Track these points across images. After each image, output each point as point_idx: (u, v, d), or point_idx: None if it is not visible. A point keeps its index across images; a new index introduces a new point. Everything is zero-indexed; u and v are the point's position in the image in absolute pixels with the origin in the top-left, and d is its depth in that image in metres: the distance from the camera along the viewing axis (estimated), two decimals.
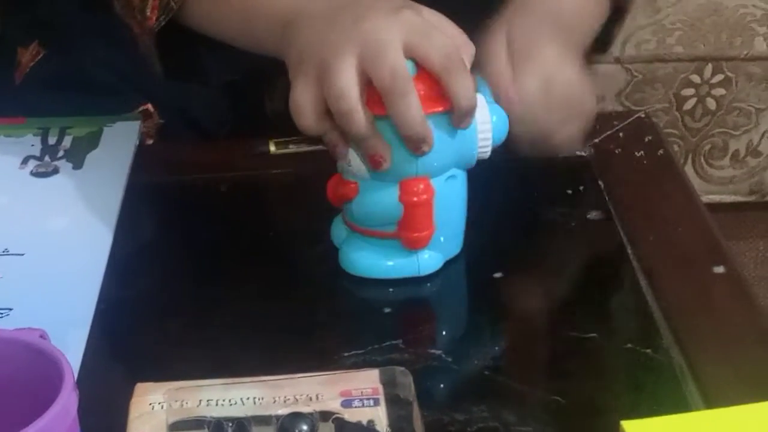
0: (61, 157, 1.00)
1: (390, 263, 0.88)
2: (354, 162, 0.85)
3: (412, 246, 0.87)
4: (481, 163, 0.87)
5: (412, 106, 0.81)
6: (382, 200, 0.86)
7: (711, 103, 1.40)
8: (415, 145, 0.82)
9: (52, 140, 1.02)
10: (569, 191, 0.97)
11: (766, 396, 0.74)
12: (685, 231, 0.94)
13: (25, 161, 1.00)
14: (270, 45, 0.91)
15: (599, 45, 1.09)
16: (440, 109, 0.83)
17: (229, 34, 0.97)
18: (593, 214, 0.95)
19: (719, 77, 1.40)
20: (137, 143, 1.02)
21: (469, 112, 0.83)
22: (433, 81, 0.82)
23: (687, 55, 1.40)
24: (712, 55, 1.39)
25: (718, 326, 0.84)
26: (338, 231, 0.91)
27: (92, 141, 1.02)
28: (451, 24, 0.85)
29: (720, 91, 1.40)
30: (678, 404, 0.77)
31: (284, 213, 1.00)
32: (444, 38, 0.83)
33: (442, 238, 0.88)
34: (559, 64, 0.95)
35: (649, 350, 0.82)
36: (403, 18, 0.83)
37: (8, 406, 0.63)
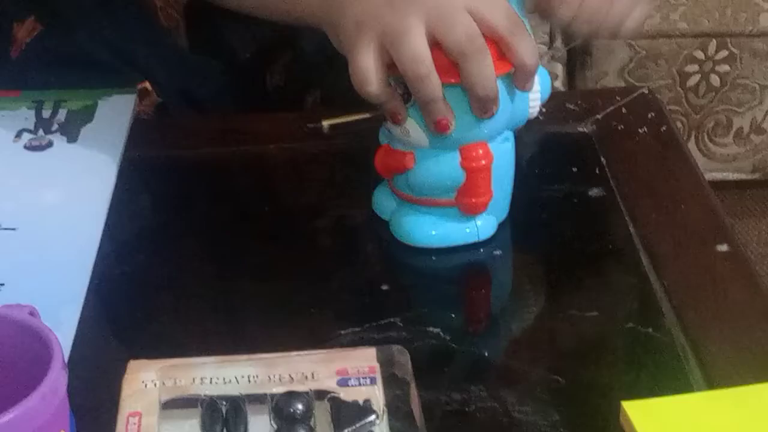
0: (55, 131, 1.00)
1: (448, 231, 0.89)
2: (413, 130, 0.86)
3: (472, 211, 0.88)
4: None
5: (489, 66, 0.81)
6: (442, 167, 0.86)
7: (715, 80, 1.40)
8: (486, 107, 0.83)
9: (46, 113, 1.02)
10: (571, 168, 0.96)
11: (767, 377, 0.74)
12: (688, 209, 0.93)
13: (18, 134, 1.00)
14: (314, 15, 0.90)
15: None
16: (503, 71, 0.84)
17: (261, 5, 0.96)
18: (595, 191, 0.95)
19: (723, 53, 1.39)
20: (133, 116, 1.01)
21: (533, 72, 0.84)
22: (490, 44, 0.83)
23: (691, 30, 1.39)
24: (717, 31, 1.38)
25: (721, 305, 0.84)
26: (385, 202, 0.91)
27: (87, 114, 1.01)
28: None
29: (724, 68, 1.40)
30: (680, 385, 0.77)
31: (282, 189, 0.99)
32: (503, 2, 0.84)
33: (495, 202, 0.88)
34: None
35: (650, 329, 0.82)
36: None
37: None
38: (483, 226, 0.89)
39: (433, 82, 0.82)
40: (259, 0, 0.97)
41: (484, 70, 0.82)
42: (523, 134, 0.91)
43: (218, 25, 1.03)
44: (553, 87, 0.93)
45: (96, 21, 1.08)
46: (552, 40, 1.36)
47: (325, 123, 0.97)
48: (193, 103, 1.09)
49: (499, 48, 0.83)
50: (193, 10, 0.99)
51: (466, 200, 0.87)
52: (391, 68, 0.83)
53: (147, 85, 1.05)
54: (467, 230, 0.89)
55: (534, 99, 0.88)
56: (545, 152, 0.94)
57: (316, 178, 0.98)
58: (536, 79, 0.87)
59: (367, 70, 0.83)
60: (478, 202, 0.87)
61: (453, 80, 0.83)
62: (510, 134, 0.89)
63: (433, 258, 0.89)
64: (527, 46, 0.84)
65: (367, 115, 0.93)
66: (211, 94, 1.08)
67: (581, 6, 0.89)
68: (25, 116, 1.01)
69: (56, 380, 0.61)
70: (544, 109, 0.91)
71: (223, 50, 1.08)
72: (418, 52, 0.81)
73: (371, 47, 0.83)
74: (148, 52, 1.07)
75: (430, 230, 0.89)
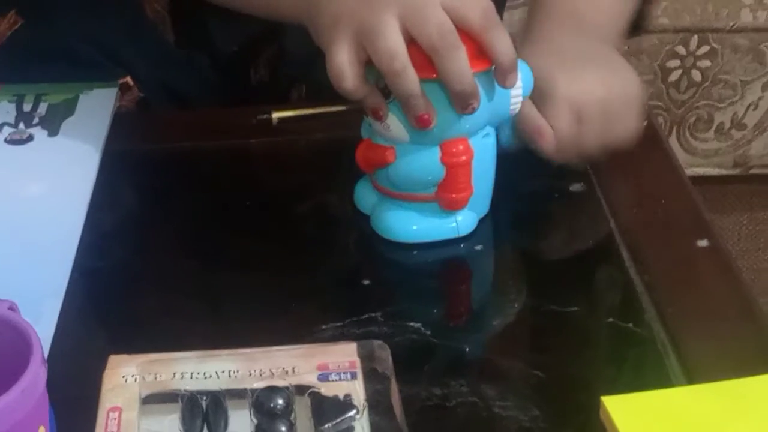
0: (36, 124, 1.00)
1: (429, 226, 0.89)
2: (393, 125, 0.86)
3: (452, 207, 0.88)
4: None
5: (462, 60, 0.81)
6: (423, 163, 0.86)
7: (696, 75, 1.40)
8: (465, 102, 0.83)
9: (27, 107, 1.02)
10: (552, 162, 0.96)
11: (749, 371, 0.74)
12: (669, 204, 0.94)
13: None
14: (292, 10, 0.91)
15: (637, 26, 1.09)
16: (481, 68, 0.83)
17: (249, 1, 0.97)
18: (576, 187, 0.95)
19: (705, 49, 1.39)
20: (114, 110, 1.01)
21: (512, 68, 0.84)
22: (468, 41, 0.83)
23: (672, 26, 1.40)
24: (698, 27, 1.39)
25: (701, 300, 0.84)
26: (366, 197, 0.92)
27: (68, 108, 1.01)
28: None
29: (705, 63, 1.40)
30: (660, 379, 0.77)
31: (263, 183, 0.99)
32: None
33: (475, 198, 0.89)
34: (585, 80, 0.93)
35: (630, 324, 0.82)
36: None
37: None
38: (463, 221, 0.89)
39: (409, 77, 0.82)
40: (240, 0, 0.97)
41: (458, 65, 0.82)
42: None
43: (203, 20, 1.03)
44: None
45: (78, 15, 1.08)
46: None
47: (275, 115, 0.98)
48: (176, 98, 1.09)
49: (479, 44, 0.83)
50: (179, 5, 0.99)
51: (446, 196, 0.87)
52: (371, 64, 0.83)
53: (129, 79, 1.05)
54: (448, 225, 0.89)
55: (516, 95, 0.87)
56: (526, 149, 0.93)
57: (296, 171, 0.98)
58: (518, 75, 0.86)
59: (343, 65, 0.83)
60: (458, 198, 0.88)
61: (432, 76, 0.83)
62: (491, 130, 0.89)
63: (415, 253, 0.89)
64: (503, 42, 0.83)
65: (319, 110, 0.94)
66: (195, 89, 1.08)
67: (559, 140, 0.90)
68: (6, 110, 1.01)
69: (35, 375, 0.61)
70: None
71: (208, 45, 1.08)
72: (393, 47, 0.81)
73: (347, 43, 0.83)
74: (131, 47, 1.07)
75: (411, 225, 0.89)
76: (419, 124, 0.84)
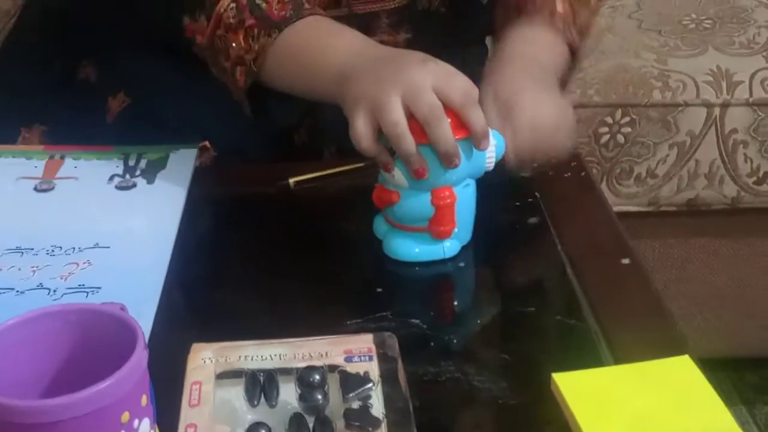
0: (138, 175, 1.00)
1: (424, 249, 0.88)
2: (397, 176, 0.86)
3: (440, 236, 0.87)
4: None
5: (446, 129, 0.82)
6: (418, 203, 0.86)
7: (620, 138, 1.40)
8: (449, 160, 0.83)
9: (131, 162, 1.02)
10: (515, 203, 0.96)
11: (658, 355, 0.74)
12: (601, 232, 0.93)
13: (111, 178, 1.00)
14: (328, 93, 0.91)
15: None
16: (462, 135, 0.83)
17: (295, 88, 0.97)
18: (532, 220, 0.95)
19: (627, 119, 1.39)
20: (195, 165, 1.01)
21: (485, 136, 0.84)
22: (451, 115, 0.83)
23: (603, 102, 1.40)
24: (622, 103, 1.39)
25: (625, 302, 0.84)
26: (380, 226, 0.91)
27: (161, 163, 1.01)
28: (459, 72, 0.85)
29: (627, 130, 1.40)
30: (594, 361, 0.77)
31: (306, 217, 0.98)
32: (461, 81, 0.84)
33: (459, 230, 0.88)
34: (539, 104, 0.94)
35: (573, 320, 0.82)
36: (430, 67, 0.84)
37: (96, 362, 0.62)
38: (449, 247, 0.88)
39: (407, 141, 0.82)
40: (294, 86, 0.97)
41: (443, 133, 0.82)
42: (482, 180, 0.91)
43: (265, 98, 1.03)
44: None
45: (174, 97, 1.08)
46: None
47: (291, 180, 0.98)
48: (240, 155, 1.09)
49: (460, 118, 0.83)
50: (251, 89, 0.99)
51: (435, 228, 0.87)
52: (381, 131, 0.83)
53: (207, 143, 1.04)
54: (438, 249, 0.88)
55: (489, 156, 0.87)
56: (498, 192, 0.93)
57: (329, 208, 0.97)
58: (492, 141, 0.86)
59: (361, 132, 0.83)
60: (444, 230, 0.87)
61: (425, 140, 0.83)
62: (471, 181, 0.88)
63: (416, 269, 0.88)
64: (478, 117, 0.83)
65: (328, 172, 0.94)
66: (254, 148, 1.08)
67: (520, 152, 0.90)
68: (116, 164, 1.01)
69: (139, 357, 0.61)
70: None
71: (267, 116, 1.08)
72: (395, 119, 0.82)
73: (364, 115, 0.83)
74: (212, 120, 1.07)
75: (413, 248, 0.88)
76: (415, 175, 0.84)
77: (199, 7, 0.97)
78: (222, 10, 0.96)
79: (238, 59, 0.96)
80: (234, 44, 0.96)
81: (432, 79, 0.83)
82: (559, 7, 1.05)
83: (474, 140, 0.84)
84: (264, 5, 0.95)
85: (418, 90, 0.82)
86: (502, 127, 0.89)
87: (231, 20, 0.96)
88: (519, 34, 1.04)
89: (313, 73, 0.93)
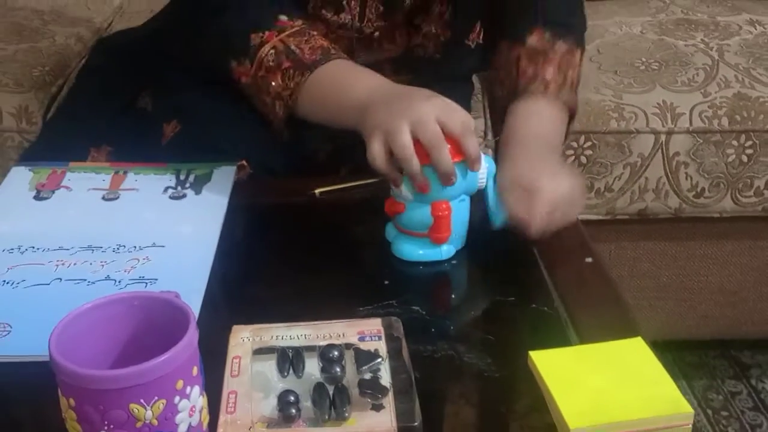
0: (188, 187, 1.00)
1: (426, 252, 0.88)
2: (404, 191, 0.86)
3: (438, 242, 0.87)
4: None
5: (446, 154, 0.82)
6: (420, 214, 0.86)
7: (583, 159, 1.40)
8: (447, 179, 0.83)
9: (182, 177, 1.02)
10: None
11: (616, 337, 0.74)
12: (568, 236, 0.92)
13: (165, 190, 0.99)
14: (350, 123, 0.91)
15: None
16: (459, 159, 0.84)
17: (323, 118, 0.97)
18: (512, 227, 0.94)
19: (588, 143, 1.39)
20: (234, 180, 1.01)
21: (478, 160, 0.84)
22: (451, 142, 0.83)
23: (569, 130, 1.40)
24: (585, 130, 1.39)
25: (588, 294, 0.84)
26: (390, 231, 0.90)
27: (207, 177, 1.01)
28: (459, 106, 0.86)
29: (589, 152, 1.40)
30: (563, 341, 0.77)
31: (329, 223, 0.97)
32: (460, 114, 0.84)
33: (454, 236, 0.88)
34: (557, 186, 0.89)
35: (545, 308, 0.82)
36: (434, 102, 0.85)
37: (154, 340, 0.63)
38: (446, 250, 0.88)
39: (414, 162, 0.82)
40: (322, 117, 0.97)
41: (444, 156, 0.82)
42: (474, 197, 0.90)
43: (296, 126, 1.03)
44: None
45: (217, 124, 1.07)
46: (486, 134, 1.36)
47: (317, 191, 0.97)
48: (271, 172, 1.09)
49: (457, 144, 0.84)
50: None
51: (434, 235, 0.87)
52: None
53: (244, 162, 1.04)
54: (437, 252, 0.88)
55: (481, 176, 0.87)
56: (482, 205, 0.92)
57: (350, 217, 0.97)
58: (484, 163, 0.86)
59: (376, 154, 0.84)
60: (441, 237, 0.87)
61: (428, 162, 0.83)
62: (466, 197, 0.88)
63: (418, 267, 0.88)
64: (472, 144, 0.84)
65: (348, 185, 0.94)
66: (283, 167, 1.08)
67: (537, 226, 0.86)
68: (170, 179, 1.01)
69: (191, 336, 0.61)
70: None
71: (297, 140, 1.07)
72: (404, 143, 0.82)
73: (378, 140, 0.84)
74: (247, 144, 1.06)
75: (416, 250, 0.88)
76: (419, 190, 0.84)
77: (244, 54, 0.98)
78: (263, 55, 0.96)
79: (276, 95, 0.97)
80: (273, 83, 0.97)
81: (436, 111, 0.83)
82: (548, 75, 1.02)
83: (469, 163, 0.84)
84: (298, 51, 0.96)
85: (424, 121, 0.83)
86: (524, 211, 0.87)
87: (271, 63, 0.96)
88: (524, 111, 1.00)
89: (338, 106, 0.94)
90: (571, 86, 1.05)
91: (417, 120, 0.83)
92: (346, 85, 0.94)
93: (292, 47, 0.96)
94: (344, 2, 1.04)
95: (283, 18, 0.99)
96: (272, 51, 0.96)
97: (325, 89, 0.95)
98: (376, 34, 1.07)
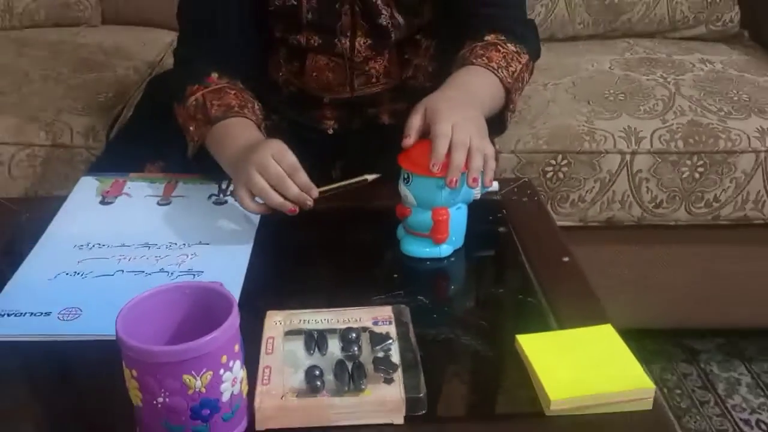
0: (228, 195, 0.99)
1: (428, 250, 0.87)
2: (408, 198, 0.86)
3: (438, 242, 0.87)
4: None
5: (289, 185, 0.86)
6: (423, 218, 0.86)
7: (561, 175, 1.40)
8: (303, 203, 0.87)
9: (224, 186, 1.02)
10: (488, 218, 0.96)
11: (589, 323, 0.75)
12: (548, 239, 0.93)
13: (209, 197, 1.00)
14: (231, 174, 0.94)
15: (500, 127, 1.04)
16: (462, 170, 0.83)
17: (218, 161, 0.97)
18: (502, 230, 0.95)
19: (565, 161, 1.39)
20: None
21: (476, 176, 0.84)
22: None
23: (549, 150, 1.40)
24: (562, 150, 1.38)
25: (565, 288, 0.84)
26: (400, 232, 0.90)
27: None
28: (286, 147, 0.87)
29: (565, 169, 1.40)
30: (544, 327, 0.77)
31: (348, 226, 0.96)
32: (289, 154, 0.86)
33: (453, 238, 0.87)
34: (454, 113, 0.85)
35: (530, 298, 0.82)
36: (270, 146, 0.87)
37: (202, 322, 0.63)
38: (445, 249, 0.88)
39: (271, 197, 0.86)
40: (218, 160, 0.96)
41: (288, 187, 0.86)
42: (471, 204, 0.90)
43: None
44: None
45: None
46: None
47: (317, 191, 0.95)
48: None
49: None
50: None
51: (435, 236, 0.87)
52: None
53: None
54: (437, 250, 0.88)
55: (477, 190, 0.87)
56: (477, 212, 0.92)
57: (365, 219, 0.96)
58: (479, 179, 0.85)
59: (243, 200, 0.88)
60: (440, 238, 0.87)
61: (425, 173, 0.83)
62: (463, 205, 0.88)
63: (425, 263, 0.88)
64: (478, 161, 0.83)
65: (341, 184, 0.91)
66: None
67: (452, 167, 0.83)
68: (213, 187, 1.01)
69: (234, 319, 0.62)
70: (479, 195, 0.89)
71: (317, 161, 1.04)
72: (257, 186, 0.86)
73: (241, 190, 0.88)
74: None
75: (421, 249, 0.88)
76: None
77: (179, 100, 1.01)
78: (189, 104, 0.99)
79: (191, 137, 1.00)
80: (191, 128, 0.99)
81: (272, 152, 0.85)
82: (494, 57, 0.99)
83: (468, 177, 0.84)
84: (209, 105, 0.97)
85: (264, 164, 0.85)
86: (425, 125, 0.85)
87: (191, 112, 0.99)
88: (460, 71, 0.97)
89: (223, 158, 0.96)
90: (513, 75, 0.99)
91: (258, 164, 0.85)
92: (228, 142, 0.95)
93: (207, 102, 0.98)
94: (336, 40, 1.04)
95: (214, 76, 1.00)
96: (194, 102, 0.99)
97: (217, 143, 0.97)
98: (369, 67, 1.07)
